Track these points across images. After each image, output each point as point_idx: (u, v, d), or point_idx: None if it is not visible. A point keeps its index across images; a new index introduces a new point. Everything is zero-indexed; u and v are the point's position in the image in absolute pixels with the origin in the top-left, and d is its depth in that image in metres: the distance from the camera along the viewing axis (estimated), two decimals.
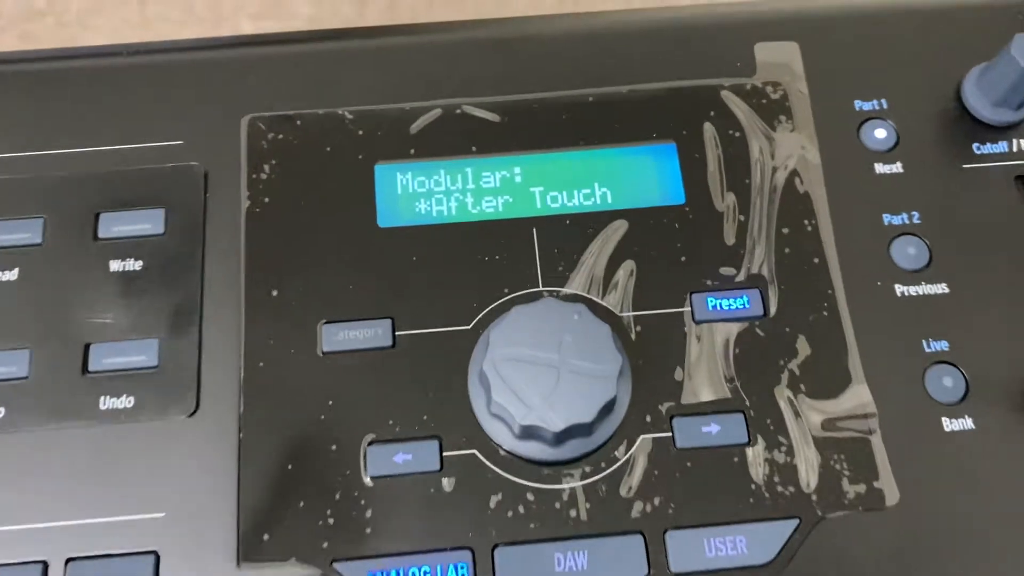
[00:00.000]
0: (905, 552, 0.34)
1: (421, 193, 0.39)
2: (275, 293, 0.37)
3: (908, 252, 0.38)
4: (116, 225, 0.38)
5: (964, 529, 0.34)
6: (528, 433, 0.34)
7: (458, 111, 0.40)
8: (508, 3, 0.57)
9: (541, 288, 0.37)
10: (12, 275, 0.37)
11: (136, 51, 0.41)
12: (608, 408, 0.34)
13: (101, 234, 0.38)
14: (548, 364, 0.34)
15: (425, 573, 0.33)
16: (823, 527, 0.34)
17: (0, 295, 0.37)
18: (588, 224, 0.38)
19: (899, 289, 0.37)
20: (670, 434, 0.35)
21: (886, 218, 0.38)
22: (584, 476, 0.35)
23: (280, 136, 0.40)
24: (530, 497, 0.34)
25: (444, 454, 0.35)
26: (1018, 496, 0.34)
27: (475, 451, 0.35)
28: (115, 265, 0.38)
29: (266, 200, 0.39)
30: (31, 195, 0.39)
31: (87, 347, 0.36)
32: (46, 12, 0.57)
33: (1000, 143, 0.40)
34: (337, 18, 0.57)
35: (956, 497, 0.34)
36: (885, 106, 0.40)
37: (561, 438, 0.34)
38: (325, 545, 0.33)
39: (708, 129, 0.40)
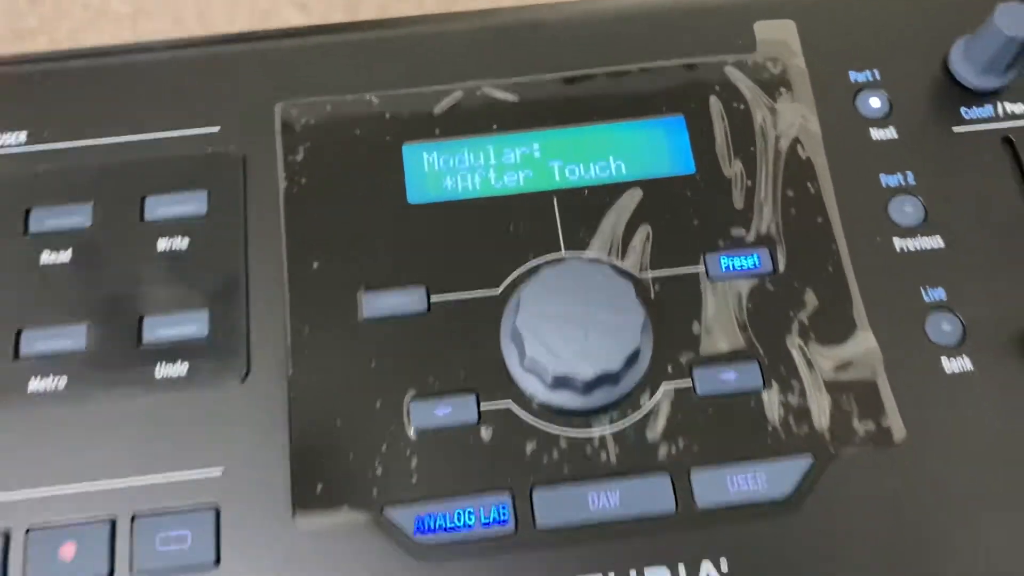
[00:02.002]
0: (914, 485, 0.36)
1: (447, 170, 0.42)
2: (316, 265, 0.39)
3: (905, 210, 0.41)
4: (161, 207, 0.40)
5: (968, 462, 0.37)
6: (560, 383, 0.36)
7: (478, 93, 0.43)
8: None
9: (563, 253, 0.40)
10: (65, 256, 0.40)
11: (174, 46, 0.43)
12: (633, 358, 0.36)
13: (148, 216, 0.40)
14: (576, 319, 0.36)
15: (469, 514, 0.35)
16: (837, 463, 0.36)
17: (55, 275, 0.39)
18: (605, 194, 0.41)
19: (898, 244, 0.40)
20: (691, 382, 0.38)
21: (883, 179, 0.41)
22: (612, 422, 0.37)
23: (312, 121, 0.42)
24: (563, 444, 0.37)
25: (481, 407, 0.37)
26: (1015, 425, 0.37)
27: (510, 403, 0.37)
28: (163, 244, 0.40)
29: (302, 180, 0.41)
30: (80, 182, 0.41)
31: (140, 320, 0.38)
32: (38, 31, 0.58)
33: (986, 107, 0.42)
34: None
35: (959, 432, 0.37)
36: (878, 77, 0.43)
37: (590, 387, 0.36)
38: (375, 493, 0.36)
39: (714, 102, 0.43)
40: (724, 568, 0.35)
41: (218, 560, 0.35)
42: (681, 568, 0.35)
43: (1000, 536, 0.36)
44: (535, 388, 0.37)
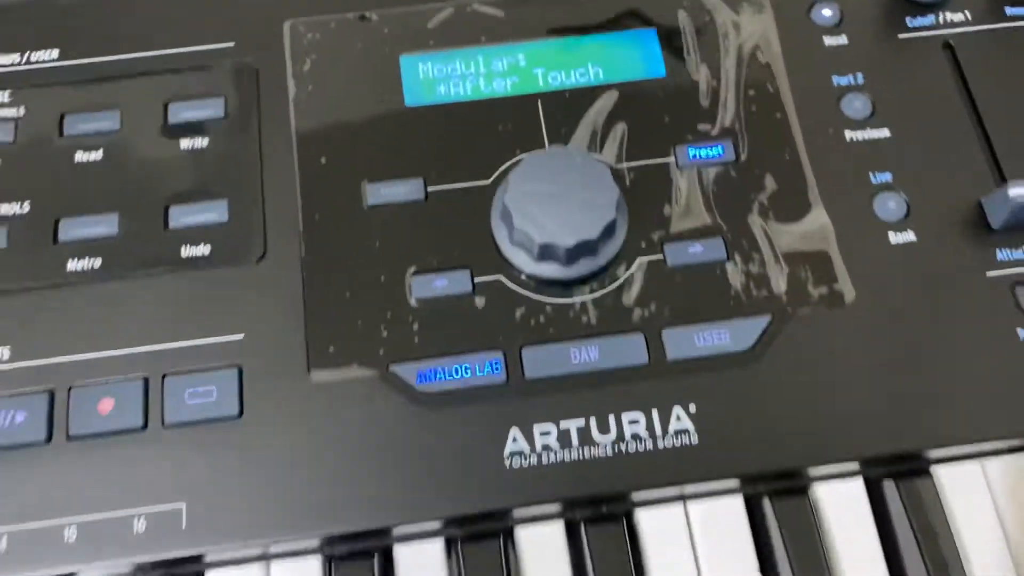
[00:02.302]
0: (863, 340, 0.41)
1: (440, 78, 0.46)
2: (323, 160, 0.44)
3: (855, 105, 0.45)
4: (183, 112, 0.45)
5: (910, 320, 0.41)
6: (545, 253, 0.41)
7: (468, 9, 0.47)
8: None
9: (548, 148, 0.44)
10: (97, 155, 0.44)
11: None
12: (609, 229, 0.41)
13: (171, 120, 0.45)
14: (559, 196, 0.41)
15: (465, 368, 0.40)
16: (793, 321, 0.41)
17: (87, 171, 0.44)
18: (584, 96, 0.45)
19: (848, 135, 0.44)
20: (662, 255, 0.42)
21: (835, 79, 0.46)
22: (592, 291, 0.41)
23: (318, 36, 0.46)
24: (548, 310, 0.41)
25: (475, 280, 0.41)
26: (951, 287, 0.41)
27: (500, 276, 0.42)
28: (185, 143, 0.44)
29: (310, 88, 0.45)
30: (109, 91, 0.45)
31: (166, 208, 0.43)
32: None
33: (929, 16, 0.47)
34: None
35: (903, 294, 0.41)
36: None
37: (572, 256, 0.40)
38: (381, 352, 0.40)
39: (683, 16, 0.47)
40: (692, 411, 0.39)
41: (241, 412, 0.39)
42: (654, 412, 0.39)
43: (938, 385, 0.40)
44: (523, 261, 0.41)
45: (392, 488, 0.38)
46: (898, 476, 0.41)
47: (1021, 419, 0.39)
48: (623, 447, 0.39)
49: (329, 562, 0.39)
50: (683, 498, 0.40)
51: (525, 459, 0.38)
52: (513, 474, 0.38)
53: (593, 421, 0.39)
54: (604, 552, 0.39)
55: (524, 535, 0.40)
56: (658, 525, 0.40)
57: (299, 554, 0.39)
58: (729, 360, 0.40)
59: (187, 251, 0.42)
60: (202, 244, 0.42)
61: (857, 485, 0.41)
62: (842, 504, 0.40)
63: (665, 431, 0.39)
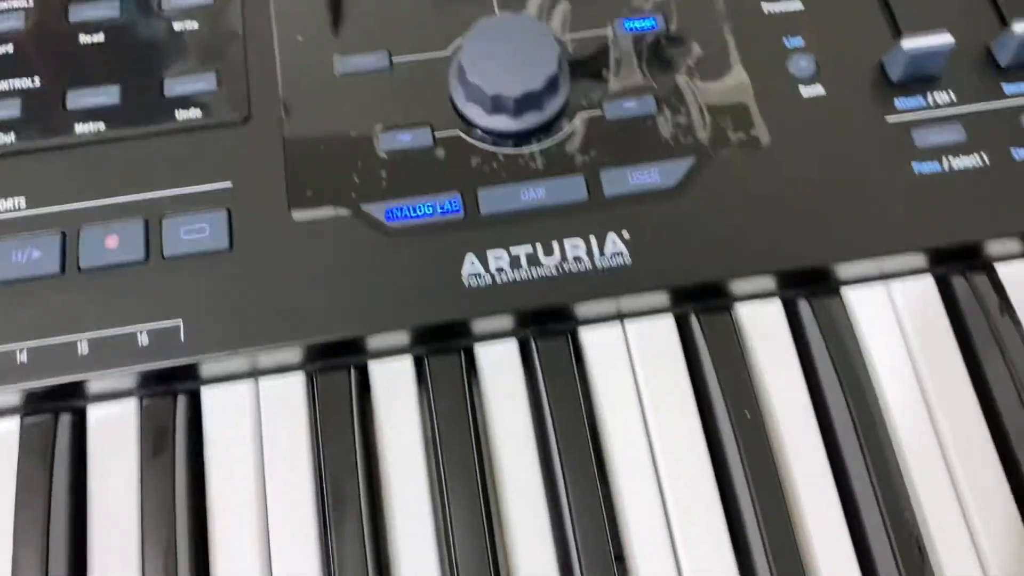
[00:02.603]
0: (777, 178, 0.46)
1: None
2: (300, 38, 0.49)
3: None
4: (175, 0, 0.50)
5: (820, 158, 0.47)
6: (496, 106, 0.46)
7: None
8: None
9: None
10: (99, 38, 0.49)
11: None
12: (553, 84, 0.46)
13: (164, 7, 0.50)
14: (507, 52, 0.46)
15: (428, 206, 0.45)
16: (715, 161, 0.46)
17: (91, 52, 0.49)
18: None
19: (765, 7, 0.50)
20: (601, 111, 0.48)
21: None
22: (539, 142, 0.47)
23: None
24: (501, 158, 0.47)
25: (435, 135, 0.47)
26: (856, 131, 0.47)
27: (458, 132, 0.47)
28: (177, 26, 0.50)
29: None
30: None
31: (161, 80, 0.48)
32: None
33: None
34: None
35: (813, 137, 0.47)
36: None
37: (520, 108, 0.46)
38: (353, 195, 0.46)
39: None
40: (626, 237, 0.45)
41: (231, 245, 0.45)
42: (592, 239, 0.45)
43: (843, 211, 0.46)
44: (477, 115, 0.47)
45: (364, 304, 0.43)
46: (811, 296, 0.46)
47: (912, 236, 0.45)
48: (566, 267, 0.44)
49: (311, 377, 0.45)
50: (621, 317, 0.46)
51: (481, 279, 0.44)
52: (471, 291, 0.44)
53: (539, 247, 0.45)
54: (552, 360, 0.44)
55: (483, 352, 0.45)
56: (600, 343, 0.46)
57: (284, 370, 0.44)
58: (658, 195, 0.46)
59: (181, 115, 0.47)
60: (193, 108, 0.47)
61: (775, 306, 0.46)
62: (762, 321, 0.46)
63: (602, 253, 0.44)
